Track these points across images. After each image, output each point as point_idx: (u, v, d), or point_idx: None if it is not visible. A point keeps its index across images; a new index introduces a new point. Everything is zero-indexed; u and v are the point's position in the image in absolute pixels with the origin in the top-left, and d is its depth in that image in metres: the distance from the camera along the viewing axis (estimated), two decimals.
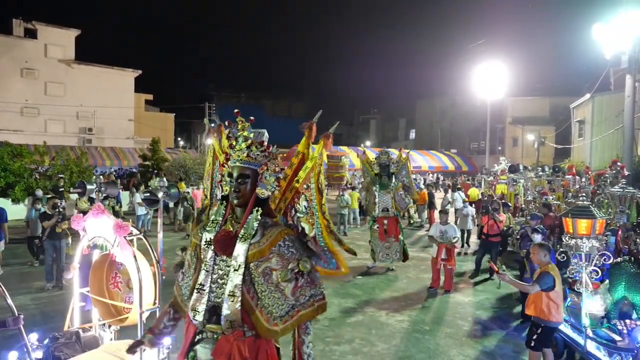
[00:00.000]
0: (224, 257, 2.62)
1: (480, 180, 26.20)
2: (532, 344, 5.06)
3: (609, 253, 5.45)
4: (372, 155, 11.50)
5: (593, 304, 5.35)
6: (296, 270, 2.56)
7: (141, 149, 29.07)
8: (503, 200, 12.61)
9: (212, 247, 2.64)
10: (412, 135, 58.34)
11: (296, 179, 2.89)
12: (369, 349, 5.93)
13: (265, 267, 2.56)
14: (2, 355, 3.73)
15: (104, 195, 4.88)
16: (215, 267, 2.63)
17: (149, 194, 4.22)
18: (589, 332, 5.09)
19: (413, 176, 12.21)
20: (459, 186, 20.35)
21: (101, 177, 5.89)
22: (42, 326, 5.66)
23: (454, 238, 8.52)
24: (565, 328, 5.63)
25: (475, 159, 42.42)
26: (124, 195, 17.97)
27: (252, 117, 2.76)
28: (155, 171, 23.18)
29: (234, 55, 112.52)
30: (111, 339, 4.59)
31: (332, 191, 22.30)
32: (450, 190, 16.38)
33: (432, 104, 53.61)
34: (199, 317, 2.59)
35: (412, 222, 16.03)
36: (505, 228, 9.94)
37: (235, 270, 2.56)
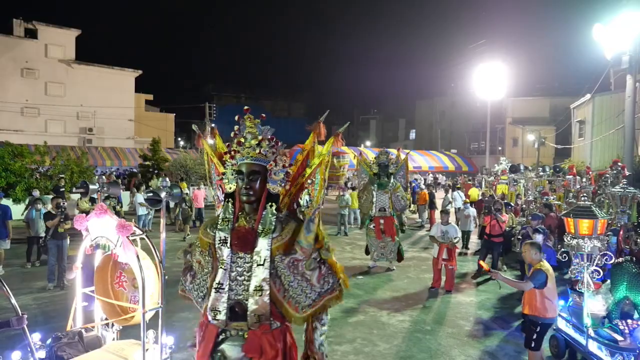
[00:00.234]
0: (242, 254, 2.65)
1: (481, 180, 26.22)
2: (533, 345, 5.04)
3: (610, 253, 5.46)
4: (371, 155, 11.50)
5: (595, 304, 5.36)
6: (318, 259, 2.66)
7: (141, 149, 29.07)
8: (505, 201, 12.60)
9: (228, 245, 2.65)
10: (412, 135, 58.35)
11: (303, 174, 2.93)
12: (370, 348, 5.94)
13: (290, 259, 2.63)
14: (5, 355, 3.74)
15: (105, 195, 4.88)
16: (233, 264, 2.65)
17: (152, 194, 4.22)
18: (591, 332, 5.09)
19: (415, 176, 12.21)
20: (458, 186, 20.36)
21: (104, 177, 5.89)
22: (44, 326, 5.66)
23: (455, 238, 8.53)
24: (566, 328, 5.64)
25: (475, 159, 42.42)
26: (125, 196, 17.97)
27: (263, 115, 2.80)
28: (156, 171, 23.18)
29: (234, 55, 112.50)
30: (114, 339, 4.58)
31: (332, 191, 22.31)
32: (450, 190, 16.39)
33: (432, 104, 53.65)
34: (222, 316, 2.61)
35: (404, 228, 15.76)
36: (508, 228, 9.93)
37: (259, 265, 2.61)
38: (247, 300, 2.60)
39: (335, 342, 6.06)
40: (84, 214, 4.56)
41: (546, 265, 5.07)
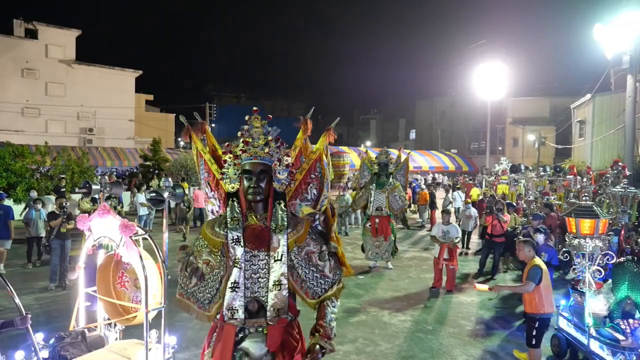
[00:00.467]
0: (255, 252, 2.71)
1: (481, 180, 26.23)
2: (534, 342, 5.13)
3: (612, 253, 5.47)
4: (372, 155, 11.51)
5: (596, 304, 5.38)
6: (327, 252, 2.82)
7: (142, 149, 29.08)
8: (508, 201, 12.60)
9: (242, 244, 2.70)
10: (412, 135, 58.34)
11: (299, 170, 3.00)
12: (372, 348, 5.95)
13: (305, 251, 2.77)
14: (8, 354, 3.74)
15: (107, 195, 4.89)
16: (247, 263, 2.70)
17: (155, 194, 4.23)
18: (592, 332, 5.10)
19: (416, 176, 12.20)
20: (458, 186, 20.36)
21: (106, 177, 5.90)
22: (47, 326, 5.67)
23: (456, 238, 8.54)
24: (568, 327, 5.65)
25: (475, 159, 42.43)
26: (125, 196, 17.98)
27: (269, 116, 2.87)
28: (156, 171, 23.18)
29: (234, 55, 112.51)
30: (116, 339, 4.59)
31: (334, 191, 22.32)
32: (451, 190, 16.40)
33: (432, 104, 53.64)
34: (240, 315, 2.66)
35: (408, 224, 15.79)
36: (509, 229, 9.92)
37: (277, 260, 2.69)
38: (264, 296, 2.68)
39: (337, 342, 6.01)
40: (86, 214, 4.58)
41: (539, 261, 5.24)
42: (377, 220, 9.83)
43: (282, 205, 2.78)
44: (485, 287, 5.40)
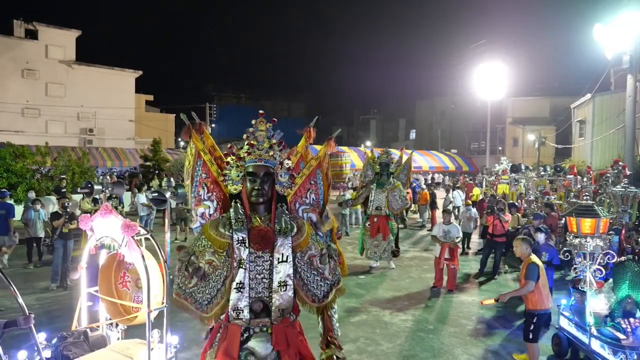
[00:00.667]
0: (260, 253, 2.75)
1: (481, 180, 26.23)
2: (531, 336, 5.26)
3: (612, 252, 5.49)
4: (375, 155, 11.49)
5: (597, 303, 5.39)
6: (328, 254, 2.87)
7: (142, 149, 29.09)
8: (511, 201, 12.59)
9: (247, 245, 2.72)
10: (412, 135, 58.35)
11: (300, 174, 3.08)
12: (373, 348, 5.96)
13: (308, 255, 2.83)
14: (11, 354, 3.75)
15: (108, 195, 4.90)
16: (252, 264, 2.73)
17: (157, 194, 4.24)
18: (593, 331, 5.11)
19: (417, 176, 12.17)
20: (458, 185, 20.39)
21: (108, 177, 5.91)
22: (49, 326, 5.68)
23: (456, 238, 8.55)
24: (569, 327, 5.66)
25: (475, 159, 42.44)
26: (126, 196, 17.98)
27: (274, 119, 2.92)
28: (157, 172, 23.19)
29: (234, 55, 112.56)
30: (118, 338, 4.60)
31: (333, 191, 22.32)
32: (451, 190, 16.41)
33: (432, 104, 53.63)
34: (245, 315, 2.69)
35: (405, 224, 15.88)
36: (511, 229, 9.91)
37: (282, 262, 2.74)
38: (268, 297, 2.72)
39: None
40: (88, 214, 4.59)
41: (535, 259, 5.37)
42: (375, 220, 9.85)
43: (285, 207, 2.85)
44: (491, 300, 5.44)
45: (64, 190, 14.78)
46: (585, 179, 14.10)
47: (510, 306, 7.75)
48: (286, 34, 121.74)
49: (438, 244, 8.60)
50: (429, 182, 25.09)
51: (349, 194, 15.55)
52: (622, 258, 5.58)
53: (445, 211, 9.19)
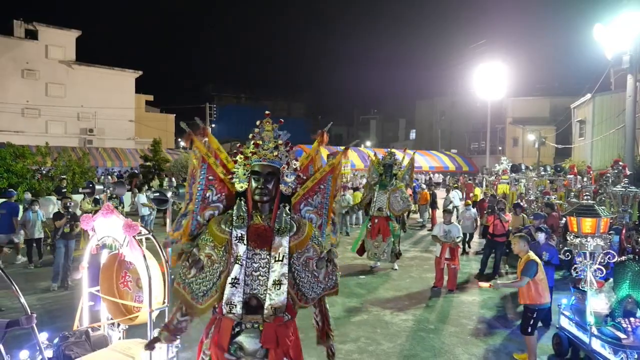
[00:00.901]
0: (258, 251, 2.78)
1: (482, 180, 26.23)
2: (529, 330, 5.41)
3: (613, 252, 5.49)
4: (379, 157, 11.44)
5: (598, 302, 5.39)
6: (327, 258, 2.87)
7: (142, 149, 29.10)
8: (517, 201, 12.57)
9: (245, 242, 2.78)
10: (412, 135, 58.36)
11: (312, 178, 3.09)
12: (374, 347, 5.96)
13: (305, 257, 2.83)
14: (13, 354, 3.76)
15: (109, 195, 4.91)
16: (249, 261, 2.78)
17: (158, 194, 4.25)
18: (594, 330, 5.12)
19: (419, 176, 12.11)
20: (455, 185, 20.42)
21: (109, 177, 5.92)
22: (50, 326, 5.68)
23: (457, 237, 8.55)
24: (570, 326, 5.67)
25: (475, 159, 42.45)
26: (126, 196, 17.98)
27: (281, 120, 2.97)
28: (157, 172, 23.19)
29: (234, 55, 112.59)
30: (120, 338, 4.61)
31: None
32: (451, 190, 16.43)
33: (432, 104, 53.65)
34: (237, 310, 2.73)
35: (405, 228, 15.80)
36: (511, 228, 9.90)
37: (278, 260, 2.76)
38: (263, 294, 2.74)
39: (340, 341, 6.08)
40: (90, 214, 4.60)
41: (533, 256, 5.50)
42: (376, 221, 9.84)
43: (287, 208, 2.87)
44: (486, 284, 5.70)
45: (65, 190, 14.77)
46: (585, 179, 14.11)
47: (511, 306, 7.77)
48: (286, 34, 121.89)
49: (439, 244, 8.61)
50: (427, 182, 25.13)
51: (349, 194, 15.56)
52: (623, 258, 5.59)
53: (446, 211, 9.19)
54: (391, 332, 6.51)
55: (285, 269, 2.75)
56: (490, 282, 5.66)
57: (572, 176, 14.43)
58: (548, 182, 16.41)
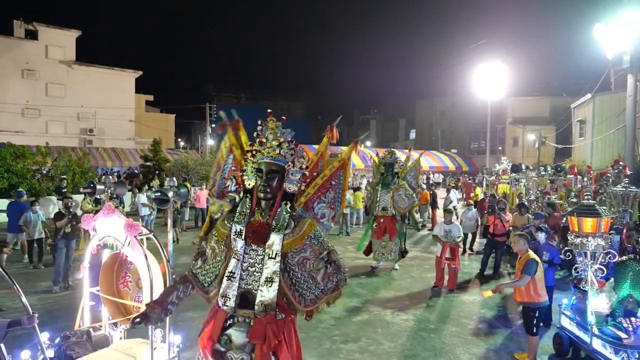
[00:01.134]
0: (254, 247, 2.82)
1: (482, 180, 26.22)
2: (535, 330, 5.42)
3: (614, 251, 5.49)
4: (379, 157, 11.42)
5: (598, 302, 5.39)
6: (326, 259, 2.82)
7: (142, 149, 29.10)
8: (522, 201, 12.54)
9: (243, 237, 2.82)
10: (412, 135, 58.37)
11: (322, 175, 3.12)
12: (375, 347, 5.96)
13: (300, 257, 2.81)
14: (14, 354, 3.75)
15: (110, 195, 4.91)
16: (246, 256, 2.82)
17: (159, 194, 4.25)
18: (595, 330, 5.12)
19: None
20: (452, 185, 20.44)
21: (110, 177, 5.92)
22: (51, 326, 5.68)
23: (457, 237, 8.55)
24: (570, 326, 5.67)
25: (475, 159, 42.45)
26: (126, 196, 17.98)
27: (283, 117, 2.96)
28: (157, 172, 23.19)
29: (234, 55, 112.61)
30: (121, 338, 4.61)
31: None
32: (451, 190, 16.43)
33: (432, 104, 53.67)
34: (231, 303, 2.78)
35: (418, 227, 15.98)
36: (516, 227, 9.89)
37: (271, 258, 2.77)
38: (256, 290, 2.77)
39: (340, 341, 6.08)
40: (91, 214, 4.59)
41: (533, 255, 5.50)
42: (381, 221, 9.80)
43: (288, 206, 2.88)
44: (489, 292, 5.58)
45: (65, 190, 14.77)
46: (585, 179, 14.11)
47: (511, 306, 7.77)
48: (286, 34, 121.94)
49: (439, 244, 8.61)
50: (426, 182, 25.12)
51: (349, 194, 15.55)
52: (624, 257, 5.59)
53: (447, 211, 9.19)
54: (392, 331, 6.51)
55: (277, 267, 2.76)
56: (493, 289, 5.57)
57: (572, 176, 14.44)
58: (548, 182, 16.41)
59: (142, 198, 13.92)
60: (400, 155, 11.01)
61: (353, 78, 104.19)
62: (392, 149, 10.90)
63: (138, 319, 2.91)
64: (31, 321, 3.27)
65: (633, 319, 4.97)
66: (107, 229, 4.31)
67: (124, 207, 14.62)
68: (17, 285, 3.33)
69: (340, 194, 3.17)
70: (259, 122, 2.99)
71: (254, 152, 2.94)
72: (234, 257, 2.83)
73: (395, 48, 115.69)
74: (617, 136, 22.24)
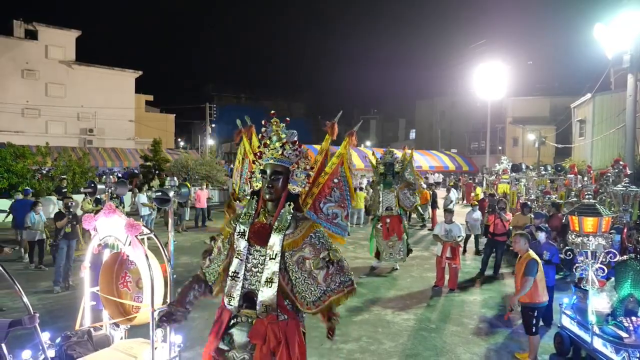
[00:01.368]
0: (258, 247, 2.84)
1: (482, 180, 26.23)
2: (534, 329, 5.43)
3: (614, 251, 5.49)
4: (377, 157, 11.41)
5: (599, 302, 5.39)
6: (327, 259, 2.79)
7: (142, 149, 29.09)
8: (524, 201, 12.50)
9: (246, 237, 2.85)
10: (412, 135, 58.36)
11: (322, 173, 3.16)
12: (376, 347, 5.96)
13: (299, 256, 2.80)
14: (15, 353, 3.75)
15: (110, 195, 4.91)
16: (250, 256, 2.85)
17: (160, 193, 4.25)
18: (596, 330, 5.12)
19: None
20: (451, 184, 20.46)
21: (111, 177, 5.91)
22: (52, 325, 5.68)
23: (458, 237, 8.55)
24: (571, 325, 5.67)
25: (475, 159, 42.44)
26: (126, 196, 17.96)
27: (287, 118, 3.01)
28: (157, 172, 23.18)
29: (234, 55, 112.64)
30: (122, 338, 4.60)
31: None
32: (451, 190, 16.43)
33: (432, 104, 53.65)
34: (234, 303, 2.80)
35: (424, 223, 16.07)
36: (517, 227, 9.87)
37: (271, 258, 2.78)
38: (258, 290, 2.79)
39: (341, 341, 6.08)
40: (91, 214, 4.59)
41: (533, 255, 5.52)
42: (388, 221, 9.73)
43: (291, 207, 2.89)
44: (508, 313, 5.76)
45: (65, 190, 14.78)
46: (585, 179, 14.11)
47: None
48: (286, 34, 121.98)
49: (440, 243, 8.61)
50: (434, 181, 25.10)
51: None
52: (624, 257, 5.60)
53: (447, 210, 9.19)
54: (393, 331, 6.51)
55: (277, 267, 2.77)
56: (509, 309, 5.61)
57: (572, 176, 14.43)
58: (548, 181, 16.41)
59: (142, 198, 13.92)
60: (398, 153, 10.99)
61: (353, 78, 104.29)
62: (391, 149, 10.87)
63: (164, 318, 2.97)
64: (32, 321, 3.26)
65: (634, 318, 4.98)
66: (108, 228, 4.30)
67: (124, 207, 14.63)
68: (18, 285, 3.33)
69: (346, 191, 3.19)
70: (263, 124, 3.01)
71: (259, 154, 2.98)
72: (237, 257, 2.85)
73: (395, 48, 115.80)
74: (617, 136, 22.24)
